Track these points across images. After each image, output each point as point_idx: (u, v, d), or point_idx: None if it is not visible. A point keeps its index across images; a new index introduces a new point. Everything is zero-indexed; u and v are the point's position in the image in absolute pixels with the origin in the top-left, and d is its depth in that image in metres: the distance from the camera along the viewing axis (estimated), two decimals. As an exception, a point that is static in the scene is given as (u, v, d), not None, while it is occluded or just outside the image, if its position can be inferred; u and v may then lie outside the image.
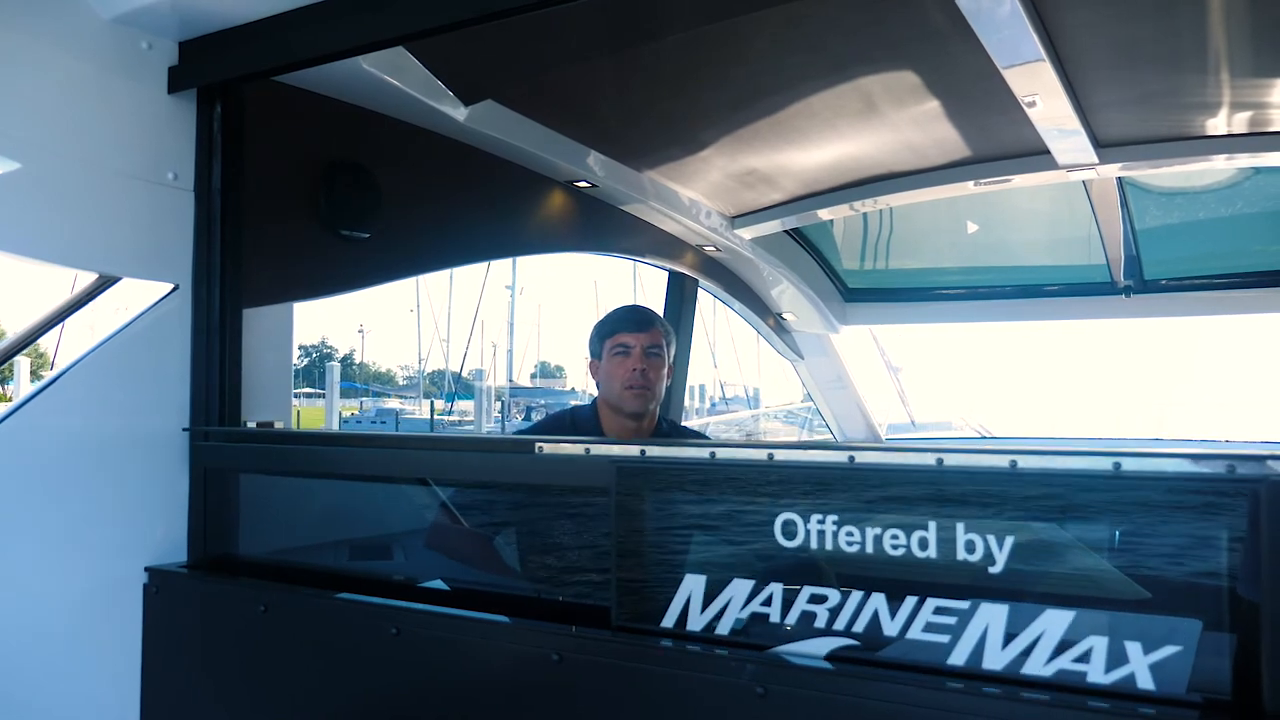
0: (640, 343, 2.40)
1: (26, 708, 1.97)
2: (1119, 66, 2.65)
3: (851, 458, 1.41)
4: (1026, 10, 2.15)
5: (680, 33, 2.47)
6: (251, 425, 2.26)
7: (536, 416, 29.01)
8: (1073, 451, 1.30)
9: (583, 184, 3.26)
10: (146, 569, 2.11)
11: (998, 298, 5.01)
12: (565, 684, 1.58)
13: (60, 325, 2.15)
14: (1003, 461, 1.30)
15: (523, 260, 34.70)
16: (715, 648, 1.47)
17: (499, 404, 36.38)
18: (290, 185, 2.42)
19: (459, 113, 2.63)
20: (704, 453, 1.54)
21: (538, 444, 1.72)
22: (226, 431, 2.18)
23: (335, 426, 17.27)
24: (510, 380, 42.83)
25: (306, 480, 2.24)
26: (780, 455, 1.47)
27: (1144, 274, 4.59)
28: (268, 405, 2.31)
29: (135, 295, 2.20)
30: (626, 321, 2.45)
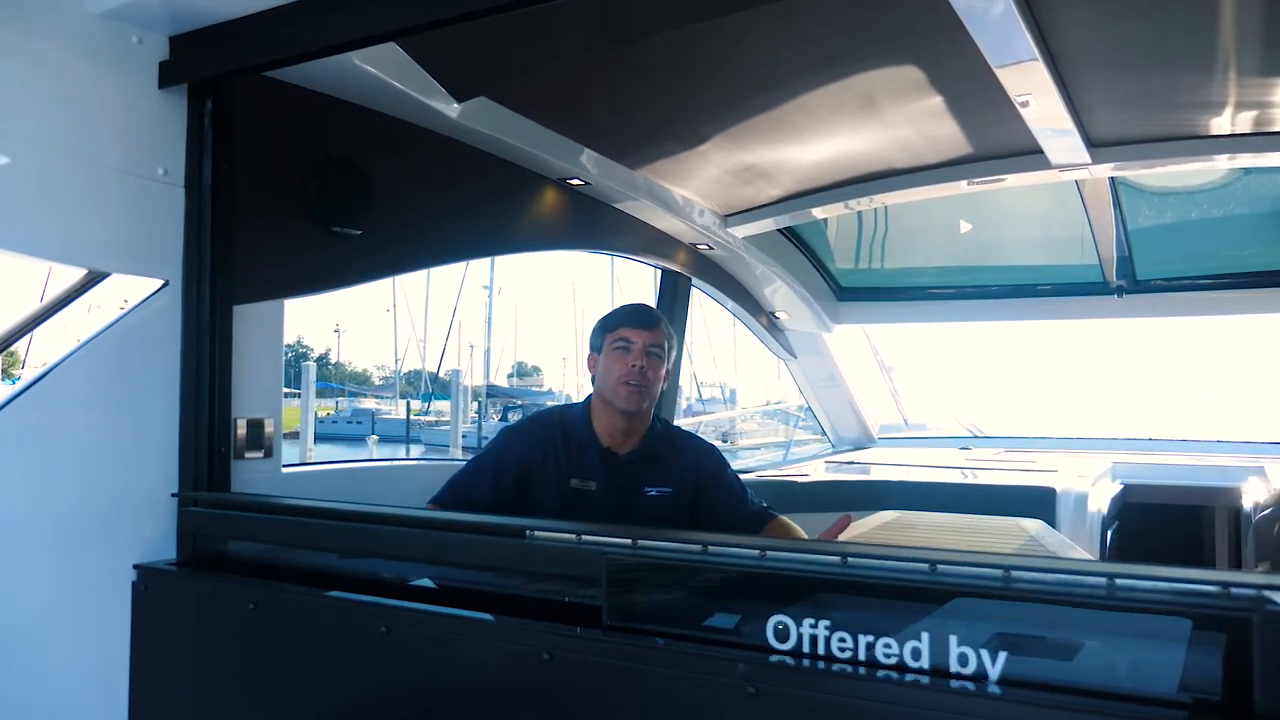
0: (643, 340, 2.37)
1: (12, 706, 1.96)
2: (1112, 65, 2.66)
3: (844, 558, 1.43)
4: (1020, 9, 2.14)
5: (674, 29, 2.46)
6: (241, 422, 2.25)
7: (514, 417, 28.82)
8: (1067, 570, 1.32)
9: (575, 181, 3.25)
10: (135, 566, 2.09)
11: (990, 297, 5.02)
12: (556, 683, 1.57)
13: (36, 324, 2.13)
14: (996, 571, 1.31)
15: (500, 260, 34.47)
16: (707, 647, 1.47)
17: (476, 404, 36.28)
18: (281, 181, 2.40)
19: (451, 109, 2.62)
20: (696, 546, 1.55)
21: (528, 529, 1.73)
22: (214, 498, 2.17)
23: (310, 426, 17.25)
24: (488, 380, 42.68)
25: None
26: (773, 553, 1.50)
27: (1136, 274, 4.61)
28: (258, 402, 2.30)
29: (113, 294, 2.19)
30: (631, 317, 2.43)
